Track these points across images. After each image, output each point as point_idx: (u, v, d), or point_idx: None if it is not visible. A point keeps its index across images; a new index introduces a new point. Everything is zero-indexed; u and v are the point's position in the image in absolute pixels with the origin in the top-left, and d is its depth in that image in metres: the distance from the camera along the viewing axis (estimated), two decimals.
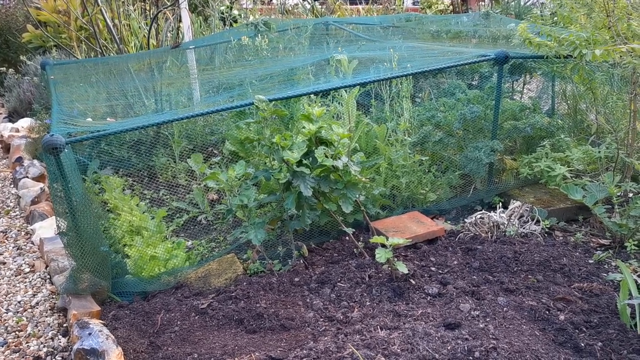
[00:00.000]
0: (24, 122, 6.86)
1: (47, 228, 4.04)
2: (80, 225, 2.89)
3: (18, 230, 4.23)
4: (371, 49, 4.60)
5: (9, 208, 4.66)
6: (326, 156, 3.04)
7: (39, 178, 5.02)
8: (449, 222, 3.73)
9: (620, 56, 3.24)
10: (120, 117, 4.60)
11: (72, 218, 2.86)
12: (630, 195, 3.51)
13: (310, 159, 3.04)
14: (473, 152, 3.76)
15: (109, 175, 5.13)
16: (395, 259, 2.95)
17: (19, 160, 5.61)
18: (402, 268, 2.89)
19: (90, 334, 2.54)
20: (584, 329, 2.55)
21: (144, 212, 4.18)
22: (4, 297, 3.32)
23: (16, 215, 4.52)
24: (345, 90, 4.02)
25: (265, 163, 3.32)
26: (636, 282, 2.81)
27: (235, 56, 5.17)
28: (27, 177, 4.99)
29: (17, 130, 6.64)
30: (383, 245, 2.92)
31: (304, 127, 3.01)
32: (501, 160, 4.09)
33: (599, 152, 3.66)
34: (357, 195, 3.17)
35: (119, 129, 3.02)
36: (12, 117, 7.58)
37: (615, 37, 3.48)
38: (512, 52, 3.80)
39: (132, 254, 3.53)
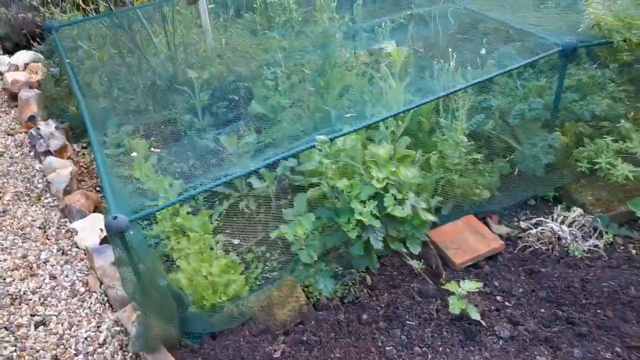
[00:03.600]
0: (22, 57, 6.42)
1: (89, 230, 3.95)
2: (148, 292, 2.83)
3: (57, 228, 4.13)
4: (419, 27, 4.18)
5: (39, 191, 4.52)
6: (395, 198, 2.90)
7: (61, 151, 4.80)
8: (504, 221, 3.67)
9: None
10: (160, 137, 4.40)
11: (140, 289, 2.79)
12: None
13: (377, 202, 2.90)
14: (530, 148, 3.60)
15: (129, 135, 4.94)
16: (467, 303, 2.95)
17: (32, 119, 5.34)
18: (475, 315, 2.90)
19: None
20: None
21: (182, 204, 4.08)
22: (68, 330, 3.34)
23: (49, 202, 4.39)
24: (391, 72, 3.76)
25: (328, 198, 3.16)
26: None
27: (261, 20, 4.72)
28: (50, 150, 4.77)
29: (17, 69, 6.24)
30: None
31: (372, 177, 2.84)
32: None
33: None
34: (425, 234, 3.08)
35: (192, 193, 2.82)
36: (4, 43, 7.06)
37: None
38: (580, 39, 3.47)
39: (185, 268, 3.50)
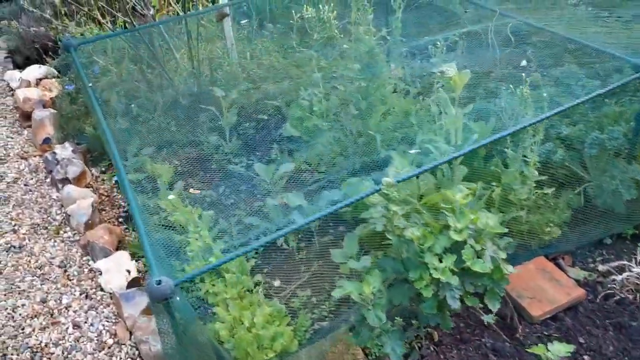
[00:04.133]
0: (34, 72, 6.07)
1: (114, 271, 3.59)
2: (191, 356, 2.47)
3: (79, 267, 3.77)
4: (473, 45, 3.80)
5: (57, 224, 4.15)
6: (474, 249, 2.54)
7: (80, 178, 4.45)
8: (578, 263, 3.30)
9: None
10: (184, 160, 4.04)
11: (182, 353, 2.43)
12: None
13: (455, 256, 2.53)
14: (609, 182, 3.23)
15: (151, 159, 4.60)
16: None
17: (48, 142, 4.99)
18: None
19: None
20: None
21: (214, 239, 3.74)
22: None
23: (68, 237, 4.03)
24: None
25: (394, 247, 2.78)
26: None
27: (298, 37, 4.35)
28: (68, 178, 4.41)
29: (29, 85, 5.89)
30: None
31: (449, 227, 2.47)
32: None
33: None
34: (504, 288, 2.71)
35: (248, 249, 2.44)
36: (14, 56, 6.71)
37: None
38: None
39: (224, 316, 3.14)
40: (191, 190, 3.80)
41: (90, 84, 3.53)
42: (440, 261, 2.47)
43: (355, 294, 2.48)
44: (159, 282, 2.17)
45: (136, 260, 3.78)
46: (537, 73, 3.33)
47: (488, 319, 2.83)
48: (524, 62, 4.14)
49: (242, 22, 4.85)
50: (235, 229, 3.90)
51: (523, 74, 3.01)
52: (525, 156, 3.14)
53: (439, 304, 2.59)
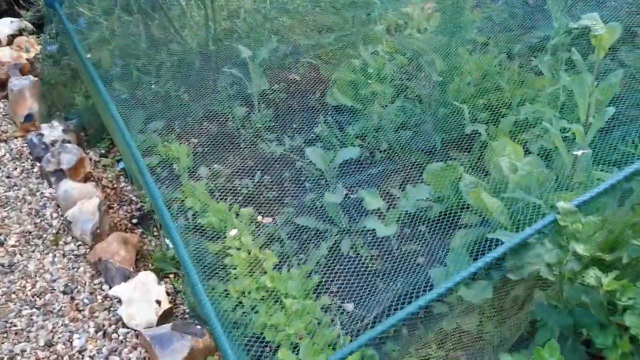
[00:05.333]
0: (4, 27, 5.00)
1: (139, 301, 2.77)
2: None
3: (90, 293, 2.93)
4: None
5: (55, 231, 3.28)
6: None
7: (77, 168, 3.54)
8: None
9: None
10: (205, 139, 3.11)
11: None
12: None
13: None
14: None
15: (161, 136, 3.76)
16: None
17: (30, 119, 4.03)
18: None
19: None
20: None
21: (261, 247, 2.94)
22: None
23: (71, 250, 3.17)
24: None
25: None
26: None
27: None
28: (62, 169, 3.50)
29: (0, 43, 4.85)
30: None
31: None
32: None
33: None
34: None
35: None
36: None
37: None
38: None
39: None
40: (261, 218, 2.92)
41: (89, 56, 2.58)
42: None
43: None
44: None
45: (162, 279, 2.97)
46: None
47: None
48: None
49: None
50: (284, 231, 3.08)
51: None
52: None
53: None
